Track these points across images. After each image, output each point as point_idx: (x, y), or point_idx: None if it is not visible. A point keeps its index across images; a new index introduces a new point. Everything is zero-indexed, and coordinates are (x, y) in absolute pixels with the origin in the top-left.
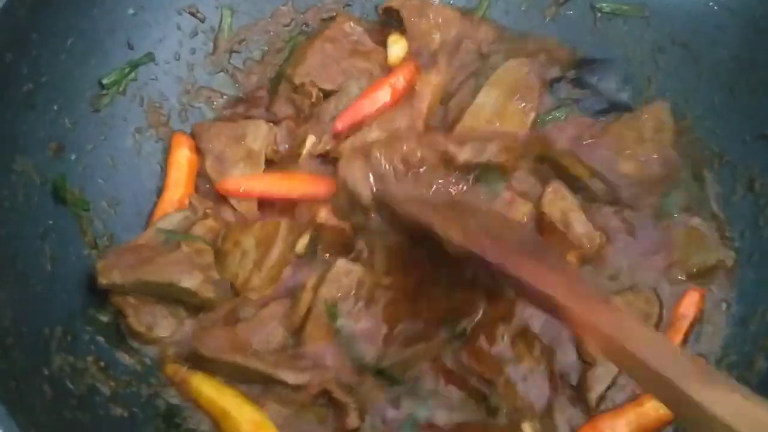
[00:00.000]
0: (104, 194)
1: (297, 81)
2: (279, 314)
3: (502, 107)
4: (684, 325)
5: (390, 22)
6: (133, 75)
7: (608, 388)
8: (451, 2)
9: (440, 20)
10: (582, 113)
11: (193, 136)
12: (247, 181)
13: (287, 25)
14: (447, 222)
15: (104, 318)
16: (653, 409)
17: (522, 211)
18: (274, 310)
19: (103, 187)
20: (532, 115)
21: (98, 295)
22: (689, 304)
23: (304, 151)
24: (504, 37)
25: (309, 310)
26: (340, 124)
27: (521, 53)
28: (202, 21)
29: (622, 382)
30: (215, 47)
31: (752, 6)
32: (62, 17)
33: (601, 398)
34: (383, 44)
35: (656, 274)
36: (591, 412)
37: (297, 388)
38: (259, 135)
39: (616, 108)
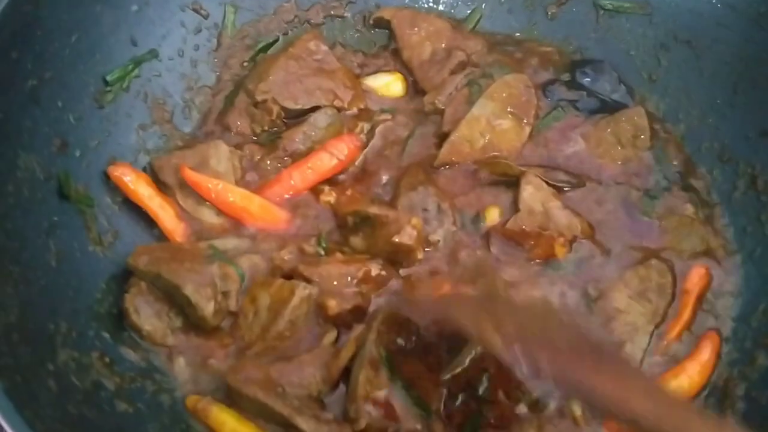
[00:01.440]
0: (108, 191)
1: (259, 98)
2: (319, 361)
3: (497, 121)
4: (691, 300)
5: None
6: (136, 72)
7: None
8: (440, 8)
9: (431, 31)
10: (578, 114)
11: (153, 170)
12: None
13: (290, 22)
14: (483, 325)
15: (109, 314)
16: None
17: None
18: (317, 356)
19: (108, 184)
20: (528, 129)
21: (104, 291)
22: (696, 278)
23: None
24: (496, 42)
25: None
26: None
27: (513, 59)
28: (206, 18)
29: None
30: (219, 44)
31: (755, 3)
32: (66, 14)
33: None
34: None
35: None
36: None
37: None
38: (222, 156)
39: (612, 108)
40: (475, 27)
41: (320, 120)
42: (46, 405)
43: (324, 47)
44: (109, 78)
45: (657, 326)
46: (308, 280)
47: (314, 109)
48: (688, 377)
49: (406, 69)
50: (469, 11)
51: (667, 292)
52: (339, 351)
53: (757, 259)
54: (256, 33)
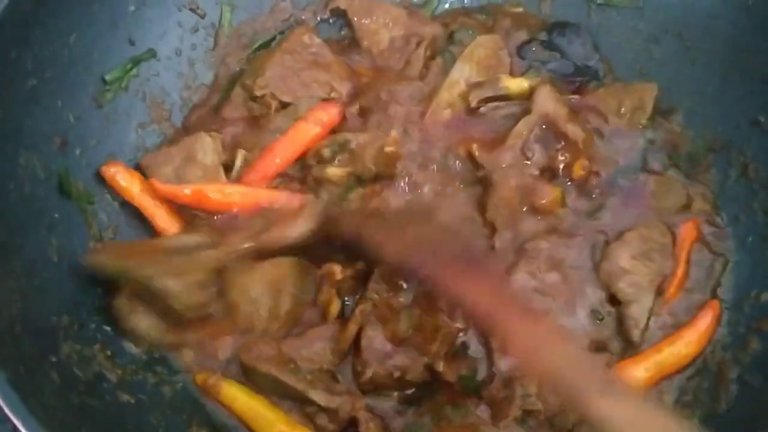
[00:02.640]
0: (108, 188)
1: (257, 93)
2: (327, 335)
3: (475, 81)
4: (683, 255)
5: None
6: (135, 71)
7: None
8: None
9: (387, 19)
10: (551, 76)
11: (141, 170)
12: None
13: (286, 20)
14: (378, 234)
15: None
16: (671, 354)
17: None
18: (323, 331)
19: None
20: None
21: (104, 286)
22: (685, 233)
23: (234, 170)
24: (464, 12)
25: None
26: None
27: (482, 24)
28: (203, 17)
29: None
30: (216, 43)
31: None
32: (65, 13)
33: (644, 333)
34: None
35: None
36: (636, 349)
37: (327, 411)
38: (207, 149)
39: (583, 73)
40: (432, 13)
41: (303, 103)
42: (50, 395)
43: (318, 40)
44: (107, 77)
45: (660, 286)
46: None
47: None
48: (686, 343)
49: (366, 57)
50: None
51: (668, 252)
52: (347, 323)
53: (749, 246)
54: (252, 32)
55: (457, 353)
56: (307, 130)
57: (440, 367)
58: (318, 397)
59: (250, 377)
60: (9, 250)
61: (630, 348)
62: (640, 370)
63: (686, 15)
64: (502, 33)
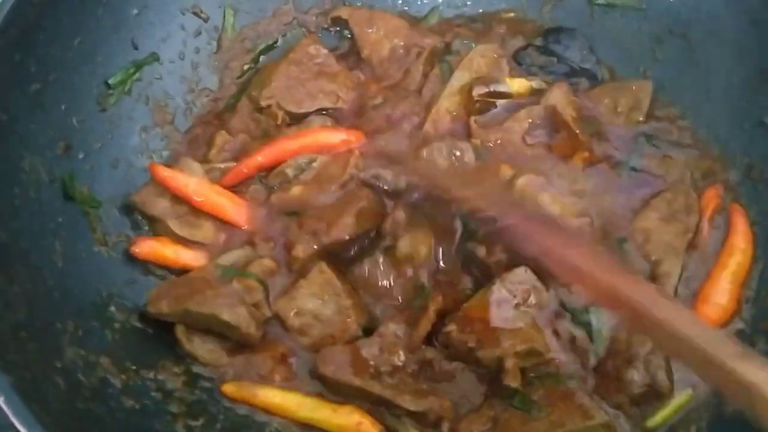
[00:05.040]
0: (112, 192)
1: (263, 103)
2: (399, 333)
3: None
4: (708, 211)
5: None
6: (138, 75)
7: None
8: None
9: (388, 29)
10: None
11: (137, 208)
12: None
13: (288, 24)
14: (467, 188)
15: (115, 314)
16: (737, 264)
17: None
18: (393, 329)
19: (111, 185)
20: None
21: (109, 291)
22: (708, 199)
23: (214, 149)
24: (463, 22)
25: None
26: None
27: (476, 32)
28: (206, 21)
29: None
30: (219, 46)
31: None
32: (68, 17)
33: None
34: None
35: None
36: None
37: (415, 414)
38: (194, 173)
39: (580, 75)
40: (433, 24)
41: (315, 122)
42: (54, 401)
43: (324, 50)
44: (111, 81)
45: (690, 243)
46: None
47: (318, 112)
48: (741, 250)
49: (366, 67)
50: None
51: (694, 209)
52: (419, 320)
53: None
54: (255, 35)
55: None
56: (320, 138)
57: (510, 365)
58: (407, 403)
59: (333, 389)
60: (13, 255)
61: None
62: (720, 296)
63: (689, 16)
64: (498, 40)
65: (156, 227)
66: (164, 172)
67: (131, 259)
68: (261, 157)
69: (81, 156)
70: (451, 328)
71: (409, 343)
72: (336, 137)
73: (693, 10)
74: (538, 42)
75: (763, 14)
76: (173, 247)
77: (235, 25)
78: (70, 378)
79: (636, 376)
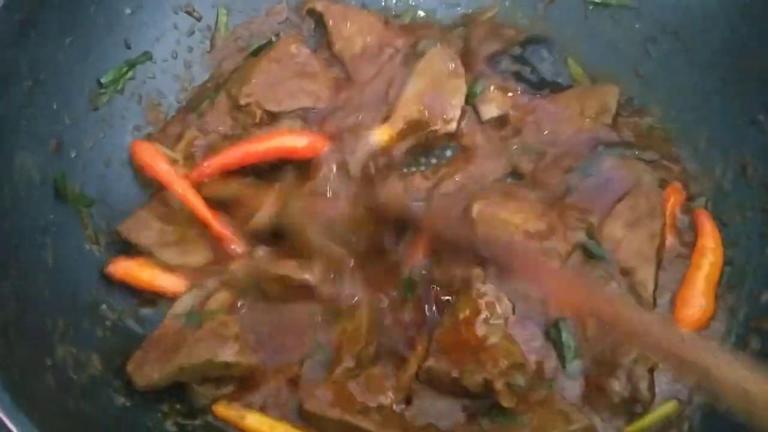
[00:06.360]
0: (104, 191)
1: (242, 101)
2: (387, 373)
3: (431, 95)
4: (671, 210)
5: None
6: (131, 74)
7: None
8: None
9: (362, 26)
10: (518, 85)
11: (122, 238)
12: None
13: (282, 23)
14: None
15: (106, 312)
16: (711, 264)
17: None
18: (381, 369)
19: (103, 184)
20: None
21: (101, 290)
22: (668, 196)
23: (183, 142)
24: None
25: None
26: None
27: (446, 33)
28: (199, 20)
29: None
30: (212, 45)
31: None
32: (60, 16)
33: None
34: None
35: None
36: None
37: None
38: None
39: (551, 86)
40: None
41: (285, 124)
42: (45, 399)
43: (305, 50)
44: (103, 80)
45: (659, 247)
46: None
47: (297, 111)
48: (711, 249)
49: (337, 60)
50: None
51: (657, 212)
52: (407, 361)
53: (743, 246)
54: (248, 34)
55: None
56: (286, 142)
57: (499, 385)
58: None
59: (314, 423)
60: (4, 253)
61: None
62: (698, 297)
63: (683, 15)
64: (475, 42)
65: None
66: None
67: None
68: (225, 159)
69: (73, 155)
70: (430, 363)
71: (396, 384)
72: (301, 141)
73: (686, 9)
74: (516, 51)
75: (756, 11)
76: (150, 270)
77: (228, 24)
78: (60, 376)
79: (617, 386)
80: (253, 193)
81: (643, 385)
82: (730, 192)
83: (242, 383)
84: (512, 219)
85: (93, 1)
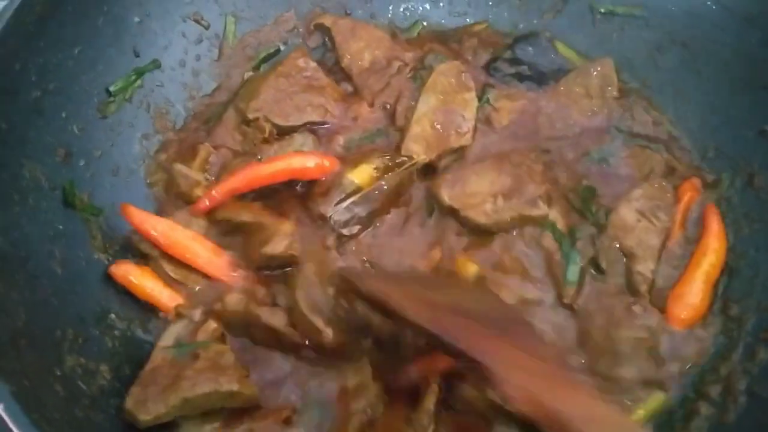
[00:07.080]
0: (113, 199)
1: (251, 116)
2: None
3: (443, 110)
4: (683, 211)
5: None
6: (139, 82)
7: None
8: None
9: (371, 40)
10: (521, 83)
11: (132, 244)
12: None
13: (290, 31)
14: (410, 299)
15: (115, 322)
16: (710, 264)
17: None
18: (393, 412)
19: (112, 192)
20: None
21: (109, 299)
22: (684, 192)
23: (198, 159)
24: (435, 37)
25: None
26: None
27: (449, 47)
28: (207, 28)
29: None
30: (220, 54)
31: (749, 4)
32: (69, 26)
33: (651, 288)
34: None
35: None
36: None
37: None
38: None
39: (551, 77)
40: (413, 37)
41: (297, 140)
42: (54, 408)
43: (312, 64)
44: (112, 89)
45: (664, 242)
46: None
47: (306, 125)
48: (713, 249)
49: (345, 75)
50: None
51: (670, 207)
52: (422, 401)
53: (751, 257)
54: (256, 43)
55: None
56: (294, 164)
57: None
58: None
59: None
60: (13, 263)
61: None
62: (693, 296)
63: (691, 25)
64: (469, 53)
65: (150, 263)
66: (135, 215)
67: None
68: (234, 183)
69: (81, 163)
70: (462, 386)
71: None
72: (310, 162)
73: (694, 19)
74: (507, 54)
75: (764, 22)
76: (150, 279)
77: (236, 32)
78: (69, 386)
79: None
80: (268, 221)
81: None
82: (737, 203)
83: (228, 419)
84: (480, 188)
85: (101, 11)
